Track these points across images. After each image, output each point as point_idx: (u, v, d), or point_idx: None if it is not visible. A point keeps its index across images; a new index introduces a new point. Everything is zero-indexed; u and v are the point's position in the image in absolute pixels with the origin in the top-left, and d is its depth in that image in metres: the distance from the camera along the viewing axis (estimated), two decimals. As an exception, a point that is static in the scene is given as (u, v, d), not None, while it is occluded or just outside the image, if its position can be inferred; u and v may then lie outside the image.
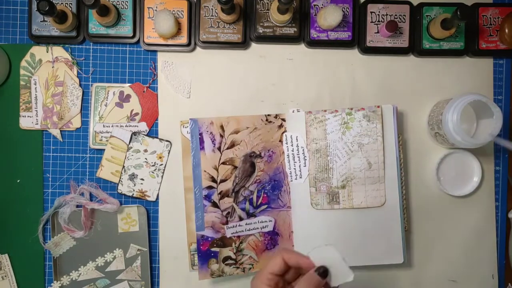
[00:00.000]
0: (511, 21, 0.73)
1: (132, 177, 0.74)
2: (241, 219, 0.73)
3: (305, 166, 0.73)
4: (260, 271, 0.52)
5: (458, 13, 0.65)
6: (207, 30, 0.73)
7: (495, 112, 0.67)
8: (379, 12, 0.74)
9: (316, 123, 0.72)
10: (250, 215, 0.73)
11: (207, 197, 0.72)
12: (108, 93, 0.74)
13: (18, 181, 0.74)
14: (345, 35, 0.74)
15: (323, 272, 0.50)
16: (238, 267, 0.73)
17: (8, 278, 0.73)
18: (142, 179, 0.74)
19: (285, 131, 0.73)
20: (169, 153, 0.74)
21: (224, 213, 0.72)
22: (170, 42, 0.73)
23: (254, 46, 0.76)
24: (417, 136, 0.77)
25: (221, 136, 0.72)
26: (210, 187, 0.72)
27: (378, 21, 0.74)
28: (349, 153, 0.72)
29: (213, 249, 0.72)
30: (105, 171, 0.74)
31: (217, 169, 0.72)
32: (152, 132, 0.75)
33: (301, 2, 0.73)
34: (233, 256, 0.73)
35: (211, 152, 0.72)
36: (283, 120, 0.73)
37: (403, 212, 0.73)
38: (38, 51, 0.74)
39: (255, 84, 0.75)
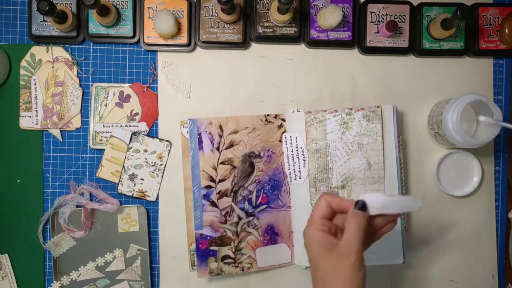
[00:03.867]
0: (511, 21, 0.73)
1: (132, 177, 0.74)
2: (240, 218, 0.73)
3: (304, 166, 0.72)
4: (309, 220, 0.52)
5: (458, 13, 0.65)
6: (207, 30, 0.73)
7: (495, 112, 0.67)
8: (379, 12, 0.74)
9: (316, 123, 0.72)
10: (249, 214, 0.73)
11: (206, 197, 0.72)
12: (108, 93, 0.74)
13: (18, 181, 0.74)
14: (345, 35, 0.74)
15: (362, 205, 0.50)
16: (237, 266, 0.73)
17: (8, 278, 0.74)
18: (142, 179, 0.74)
19: (285, 131, 0.73)
20: (169, 153, 0.74)
21: (223, 212, 0.72)
22: (170, 42, 0.73)
23: (254, 46, 0.76)
24: (417, 136, 0.77)
25: (220, 136, 0.72)
26: (208, 187, 0.72)
27: (378, 21, 0.74)
28: (349, 153, 0.72)
29: (211, 248, 0.72)
30: (105, 171, 0.74)
31: (215, 169, 0.72)
32: (152, 132, 0.75)
33: (301, 2, 0.73)
34: (232, 255, 0.73)
35: (210, 152, 0.72)
36: (283, 120, 0.73)
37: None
38: (38, 51, 0.74)
39: (255, 84, 0.75)
